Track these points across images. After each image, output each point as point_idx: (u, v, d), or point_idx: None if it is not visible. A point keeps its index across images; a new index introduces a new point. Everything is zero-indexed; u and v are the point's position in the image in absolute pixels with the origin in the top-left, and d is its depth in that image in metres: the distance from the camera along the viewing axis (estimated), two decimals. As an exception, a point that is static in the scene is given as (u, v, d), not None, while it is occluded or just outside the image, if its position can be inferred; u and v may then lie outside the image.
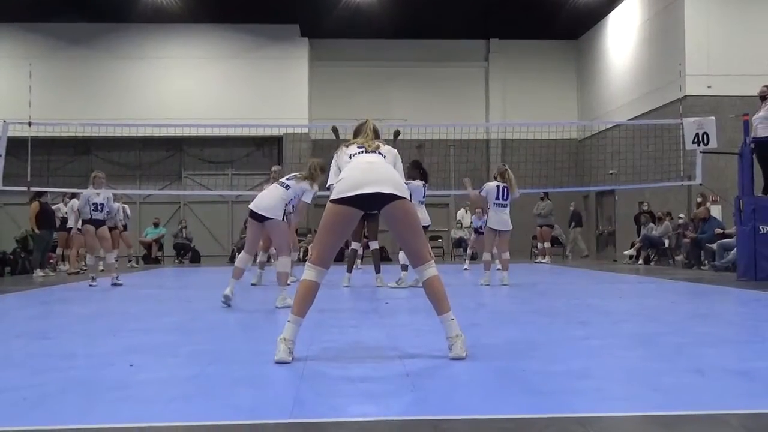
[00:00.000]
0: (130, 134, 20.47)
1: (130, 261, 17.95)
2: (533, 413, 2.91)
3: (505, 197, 10.00)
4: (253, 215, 7.33)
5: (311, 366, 3.93)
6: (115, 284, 10.56)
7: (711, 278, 11.33)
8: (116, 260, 11.71)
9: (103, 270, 12.69)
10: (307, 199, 7.96)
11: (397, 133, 9.35)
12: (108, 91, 21.89)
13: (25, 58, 20.23)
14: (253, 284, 10.15)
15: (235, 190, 21.55)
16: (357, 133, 4.76)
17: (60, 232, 15.30)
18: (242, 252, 7.53)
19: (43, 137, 16.88)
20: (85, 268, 14.64)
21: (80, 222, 11.48)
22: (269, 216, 7.25)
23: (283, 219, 7.39)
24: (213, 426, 2.80)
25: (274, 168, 10.93)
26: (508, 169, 10.29)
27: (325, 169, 7.80)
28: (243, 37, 22.52)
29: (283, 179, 7.82)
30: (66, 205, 15.49)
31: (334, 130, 9.57)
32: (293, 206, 7.96)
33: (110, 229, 14.94)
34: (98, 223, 10.75)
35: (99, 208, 10.75)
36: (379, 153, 4.51)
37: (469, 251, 16.21)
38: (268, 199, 7.43)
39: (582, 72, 24.26)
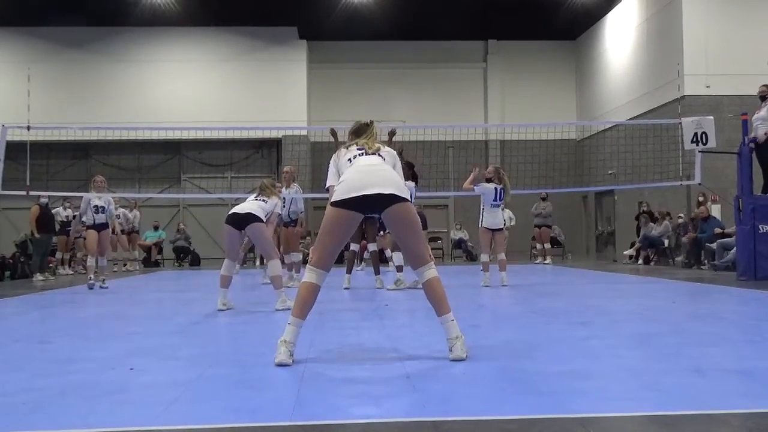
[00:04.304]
0: (129, 137, 20.57)
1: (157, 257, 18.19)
2: (534, 414, 2.92)
3: (501, 198, 10.04)
4: (234, 222, 7.34)
5: (312, 368, 3.93)
6: (101, 287, 10.67)
7: (711, 278, 11.33)
8: (115, 263, 11.78)
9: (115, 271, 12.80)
10: (279, 210, 8.38)
11: (392, 133, 9.38)
12: (107, 94, 21.90)
13: (24, 61, 20.23)
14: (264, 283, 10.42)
15: (234, 193, 21.52)
16: (358, 132, 4.69)
17: (59, 236, 15.32)
18: (225, 260, 7.53)
19: (42, 141, 16.91)
20: (124, 268, 15.20)
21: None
22: (255, 213, 7.32)
23: (264, 222, 7.50)
24: (214, 429, 2.80)
25: (287, 168, 11.04)
26: (504, 172, 10.33)
27: (274, 185, 8.20)
28: (241, 40, 22.53)
29: (257, 196, 7.87)
30: (65, 209, 15.56)
31: (333, 133, 9.61)
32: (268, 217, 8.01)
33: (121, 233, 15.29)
34: (100, 227, 10.89)
35: (100, 210, 10.90)
36: (379, 155, 4.48)
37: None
38: (249, 204, 7.57)
39: (580, 72, 24.27)
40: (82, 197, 11.39)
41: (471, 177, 10.18)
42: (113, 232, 15.66)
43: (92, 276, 10.79)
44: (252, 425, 2.83)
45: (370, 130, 4.67)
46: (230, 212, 7.47)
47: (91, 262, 10.97)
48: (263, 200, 7.74)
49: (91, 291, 10.34)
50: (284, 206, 10.35)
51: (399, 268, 9.76)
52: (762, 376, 3.62)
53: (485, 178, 10.20)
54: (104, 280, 10.96)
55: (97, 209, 10.88)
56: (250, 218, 7.31)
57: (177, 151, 22.92)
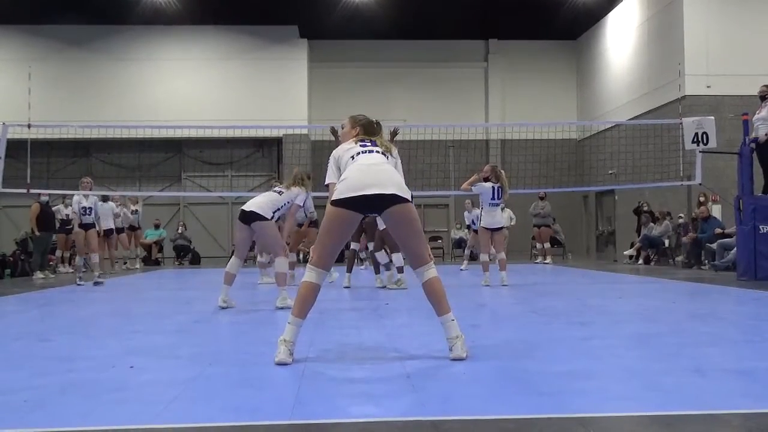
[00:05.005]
0: (130, 136, 20.55)
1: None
2: (534, 413, 2.92)
3: (499, 197, 10.00)
4: (242, 217, 7.32)
5: (312, 367, 3.93)
6: (96, 283, 10.92)
7: (711, 278, 11.33)
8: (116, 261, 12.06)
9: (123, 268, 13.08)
10: (299, 201, 8.13)
11: (395, 132, 9.35)
12: (107, 92, 21.91)
13: (25, 60, 20.24)
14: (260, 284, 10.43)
15: (234, 192, 21.56)
16: (366, 129, 4.60)
17: (60, 234, 15.33)
18: (233, 257, 7.51)
19: (42, 139, 16.89)
20: (123, 267, 15.97)
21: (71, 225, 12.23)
22: (258, 212, 7.24)
23: (271, 219, 7.39)
24: (214, 427, 2.80)
25: (297, 170, 11.09)
26: (501, 170, 10.28)
27: (311, 177, 8.06)
28: (242, 39, 22.53)
29: (275, 187, 7.91)
30: (66, 207, 15.58)
31: (333, 131, 9.59)
32: (283, 213, 7.92)
33: (118, 231, 15.84)
34: (88, 227, 11.64)
35: (88, 211, 11.69)
36: (382, 153, 4.42)
37: (467, 251, 16.16)
38: (259, 199, 7.52)
39: (581, 72, 24.26)
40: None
41: (471, 179, 10.19)
42: (120, 230, 15.99)
43: (80, 275, 11.19)
44: (252, 424, 2.83)
45: (381, 136, 4.61)
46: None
47: (79, 261, 11.44)
48: (279, 191, 7.67)
49: (91, 289, 10.38)
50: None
51: (400, 269, 9.75)
52: (762, 377, 3.61)
53: (482, 178, 10.17)
54: (100, 275, 11.29)
55: (85, 210, 11.60)
56: (252, 216, 7.27)
57: (178, 150, 22.93)
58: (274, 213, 7.45)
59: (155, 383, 3.61)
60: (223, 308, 7.14)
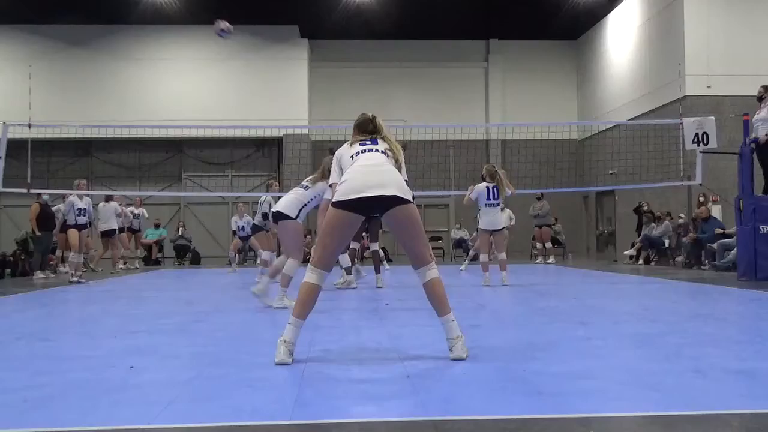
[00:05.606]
0: (130, 135, 20.56)
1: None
2: (534, 414, 2.92)
3: (495, 197, 9.93)
4: (273, 217, 7.36)
5: (312, 367, 3.93)
6: (73, 282, 11.42)
7: (711, 278, 11.33)
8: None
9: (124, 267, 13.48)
10: (329, 196, 7.84)
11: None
12: (108, 92, 21.91)
13: (25, 59, 20.28)
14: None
15: (234, 192, 21.56)
16: (361, 127, 4.55)
17: (60, 233, 15.33)
18: (281, 257, 7.50)
19: (43, 139, 16.92)
20: (123, 267, 16.23)
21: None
22: (283, 212, 7.17)
23: (296, 218, 7.24)
24: (214, 427, 2.80)
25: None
26: (498, 170, 10.21)
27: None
28: (243, 39, 22.46)
29: (303, 182, 7.71)
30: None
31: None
32: (311, 209, 7.74)
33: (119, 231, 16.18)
34: (82, 227, 12.12)
35: (82, 212, 12.17)
36: (383, 152, 4.38)
37: (471, 252, 16.08)
38: (288, 196, 7.40)
39: (582, 72, 24.26)
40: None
41: (468, 191, 10.24)
42: (121, 230, 16.10)
43: (73, 272, 11.68)
44: (252, 424, 2.83)
45: (380, 127, 4.53)
46: None
47: (74, 258, 11.78)
48: (305, 187, 7.42)
49: (91, 289, 10.39)
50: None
51: (348, 271, 9.85)
52: (763, 377, 3.61)
53: (481, 177, 10.15)
54: (80, 275, 11.87)
55: (80, 211, 12.08)
56: (279, 216, 7.21)
57: (178, 150, 22.94)
58: (299, 211, 7.23)
59: (155, 383, 3.61)
60: (280, 308, 7.03)
